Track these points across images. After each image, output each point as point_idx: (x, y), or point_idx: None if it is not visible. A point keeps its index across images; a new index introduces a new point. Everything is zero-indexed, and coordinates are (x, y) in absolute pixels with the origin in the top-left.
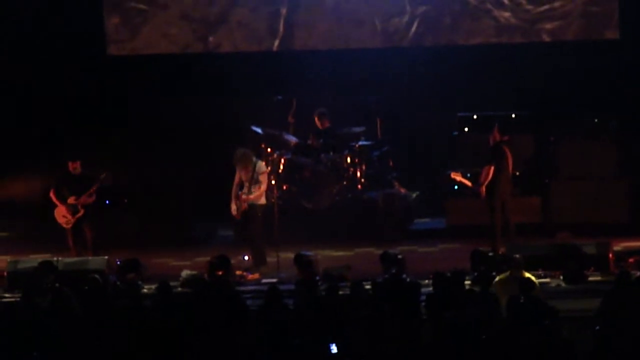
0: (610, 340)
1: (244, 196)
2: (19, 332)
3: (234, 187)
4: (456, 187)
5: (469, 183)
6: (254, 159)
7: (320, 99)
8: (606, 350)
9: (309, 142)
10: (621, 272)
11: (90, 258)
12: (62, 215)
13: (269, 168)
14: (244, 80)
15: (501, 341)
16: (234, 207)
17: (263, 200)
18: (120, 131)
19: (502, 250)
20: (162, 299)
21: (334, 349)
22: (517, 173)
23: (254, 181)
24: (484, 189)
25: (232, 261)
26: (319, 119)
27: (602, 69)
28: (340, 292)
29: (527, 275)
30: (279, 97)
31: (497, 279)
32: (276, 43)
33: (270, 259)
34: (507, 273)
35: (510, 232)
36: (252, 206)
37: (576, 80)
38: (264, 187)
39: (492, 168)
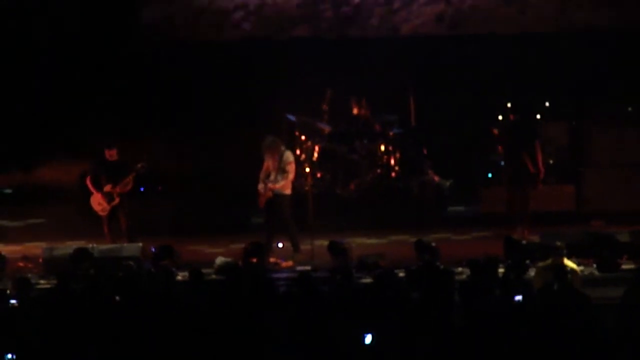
0: (632, 329)
1: (270, 184)
2: (54, 318)
3: (262, 173)
4: (490, 175)
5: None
6: (282, 148)
7: (354, 87)
8: (629, 339)
9: (344, 129)
10: None
11: (125, 245)
12: (97, 202)
13: (304, 156)
14: (279, 68)
15: (533, 328)
16: (261, 185)
17: (289, 190)
18: (155, 118)
19: (518, 235)
20: (194, 286)
21: (368, 338)
22: (551, 161)
23: (281, 170)
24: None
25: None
26: (356, 104)
27: (636, 57)
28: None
29: (568, 262)
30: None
31: (538, 265)
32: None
33: (305, 246)
34: (549, 261)
35: (524, 221)
36: (278, 195)
37: (610, 69)
38: (291, 177)
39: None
